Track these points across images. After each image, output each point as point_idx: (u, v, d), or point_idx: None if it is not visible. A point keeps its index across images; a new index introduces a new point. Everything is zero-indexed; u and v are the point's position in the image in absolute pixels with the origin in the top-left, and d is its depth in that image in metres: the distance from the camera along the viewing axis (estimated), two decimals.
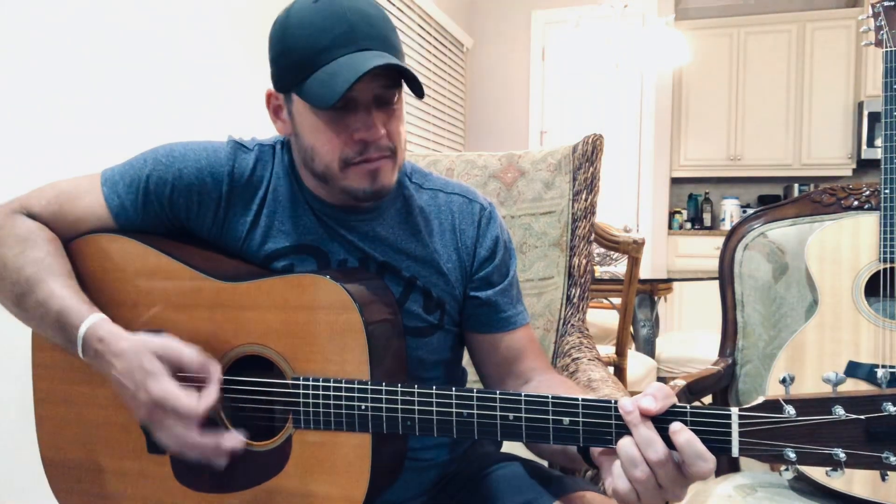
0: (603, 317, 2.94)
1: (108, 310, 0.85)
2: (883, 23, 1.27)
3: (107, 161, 0.96)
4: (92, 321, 0.79)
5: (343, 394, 0.76)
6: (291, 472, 0.80)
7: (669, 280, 2.98)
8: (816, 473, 1.10)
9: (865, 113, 4.58)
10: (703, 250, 4.79)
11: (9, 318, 0.89)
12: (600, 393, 1.07)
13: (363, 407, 0.75)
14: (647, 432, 0.64)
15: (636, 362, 2.51)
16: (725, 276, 1.47)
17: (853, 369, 1.17)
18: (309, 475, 0.79)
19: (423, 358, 0.94)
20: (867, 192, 1.35)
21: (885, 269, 1.20)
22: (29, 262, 0.83)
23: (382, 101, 0.83)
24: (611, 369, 2.23)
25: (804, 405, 0.61)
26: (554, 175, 1.46)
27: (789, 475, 0.63)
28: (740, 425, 0.63)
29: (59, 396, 0.90)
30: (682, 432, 0.63)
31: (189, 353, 0.77)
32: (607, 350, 2.30)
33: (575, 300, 1.41)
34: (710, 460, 0.62)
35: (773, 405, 0.62)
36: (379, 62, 0.76)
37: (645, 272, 2.93)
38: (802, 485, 1.16)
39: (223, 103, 2.33)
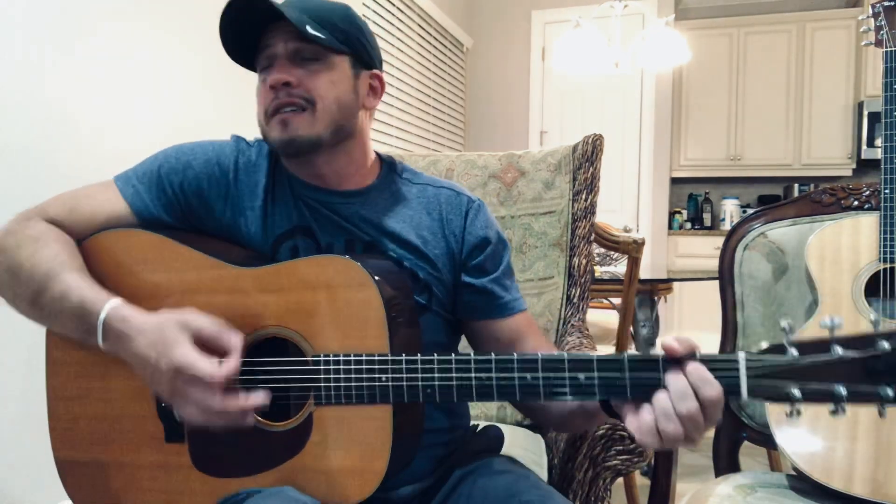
0: (603, 317, 2.94)
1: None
2: (883, 23, 1.27)
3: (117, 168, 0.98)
4: (113, 304, 0.81)
5: (364, 367, 0.77)
6: (313, 450, 0.80)
7: (669, 280, 2.97)
8: (816, 473, 1.10)
9: (865, 113, 4.58)
10: (703, 250, 4.80)
11: (8, 325, 0.89)
12: None
13: (384, 379, 0.76)
14: (683, 383, 0.67)
15: None
16: (725, 276, 1.47)
17: None
18: (331, 451, 0.80)
19: None
20: (867, 192, 1.35)
21: (885, 269, 1.20)
22: (43, 260, 0.85)
23: (302, 56, 0.88)
24: None
25: (805, 347, 0.67)
26: (554, 175, 1.46)
27: (795, 420, 0.66)
28: (748, 368, 0.67)
29: (73, 393, 0.90)
30: (689, 363, 0.68)
31: (208, 324, 0.79)
32: (607, 350, 2.30)
33: (575, 300, 1.42)
34: (715, 385, 0.67)
35: (777, 348, 0.68)
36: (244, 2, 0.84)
37: (645, 272, 2.92)
38: (802, 485, 1.16)
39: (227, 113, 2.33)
